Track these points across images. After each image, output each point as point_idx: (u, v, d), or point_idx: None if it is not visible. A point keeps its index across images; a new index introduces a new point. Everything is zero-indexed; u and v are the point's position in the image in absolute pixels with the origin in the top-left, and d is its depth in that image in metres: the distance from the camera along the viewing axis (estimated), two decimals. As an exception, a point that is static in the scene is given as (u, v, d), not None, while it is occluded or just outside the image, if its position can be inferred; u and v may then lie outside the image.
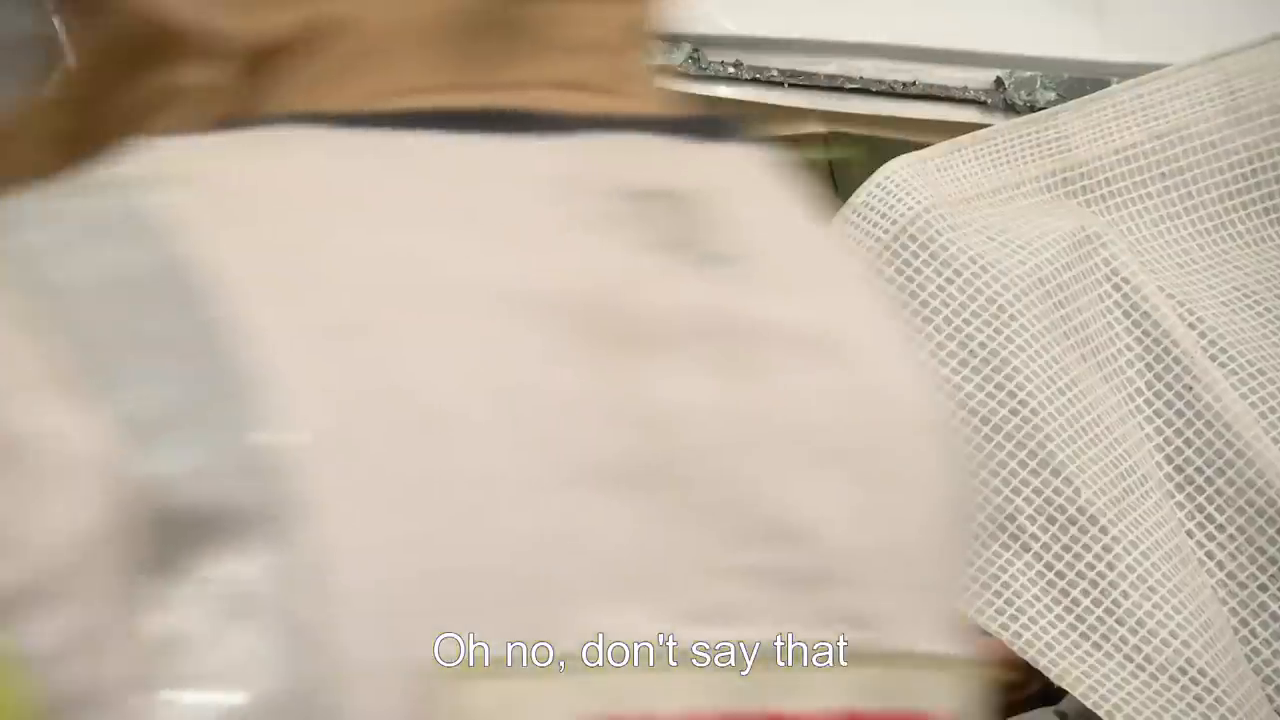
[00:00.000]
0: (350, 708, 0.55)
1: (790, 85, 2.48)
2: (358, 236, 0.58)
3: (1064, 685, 1.61)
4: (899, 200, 1.76)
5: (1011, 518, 1.66)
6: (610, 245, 0.60)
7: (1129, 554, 1.65)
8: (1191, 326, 1.85)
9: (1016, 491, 1.66)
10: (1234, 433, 1.78)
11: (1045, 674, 1.61)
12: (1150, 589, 1.64)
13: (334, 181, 0.59)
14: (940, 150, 1.86)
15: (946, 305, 1.71)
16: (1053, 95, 2.46)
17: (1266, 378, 1.82)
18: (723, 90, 2.47)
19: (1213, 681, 1.61)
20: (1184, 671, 1.61)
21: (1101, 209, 1.92)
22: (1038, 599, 1.64)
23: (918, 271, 1.72)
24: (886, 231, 1.74)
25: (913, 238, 1.74)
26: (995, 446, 1.67)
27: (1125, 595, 1.63)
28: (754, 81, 2.47)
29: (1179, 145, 1.95)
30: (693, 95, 2.47)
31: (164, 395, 0.55)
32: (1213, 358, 1.84)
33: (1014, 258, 1.75)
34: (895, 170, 1.78)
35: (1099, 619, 1.63)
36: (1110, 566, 1.64)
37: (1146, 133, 1.95)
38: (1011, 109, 2.45)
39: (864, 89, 2.48)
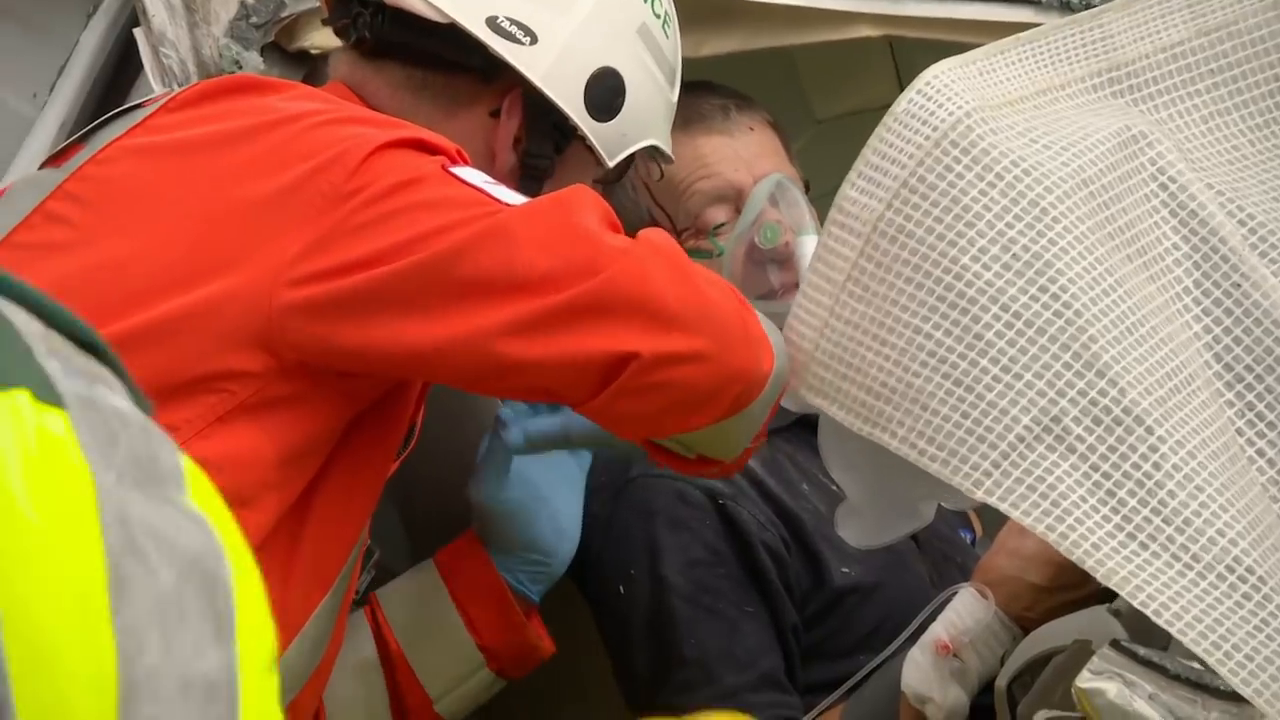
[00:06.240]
0: None
1: (842, -10, 2.47)
2: None
3: (1110, 585, 1.61)
4: (940, 106, 1.75)
5: (1057, 419, 1.65)
6: None
7: (1175, 453, 1.65)
8: (1241, 223, 1.84)
9: (1061, 394, 1.66)
10: (1283, 329, 1.77)
11: (1092, 574, 1.62)
12: (1197, 488, 1.64)
13: None
14: (983, 53, 1.84)
15: (989, 210, 1.70)
16: (1108, -8, 2.43)
17: (1318, 272, 1.81)
18: (774, -3, 2.47)
19: (1260, 579, 1.61)
20: (1231, 569, 1.61)
21: (1148, 108, 1.90)
22: (1084, 499, 1.64)
23: (959, 177, 1.72)
24: (928, 138, 1.74)
25: (954, 143, 1.73)
26: (1039, 350, 1.67)
27: (1172, 495, 1.63)
28: (805, -12, 2.47)
29: (1227, 41, 1.93)
30: (741, 5, 2.47)
31: None
32: (1263, 254, 1.83)
33: (1057, 160, 1.74)
34: (936, 75, 1.77)
35: (1146, 519, 1.63)
36: (1157, 466, 1.64)
37: (1193, 29, 1.93)
38: (1067, 8, 2.42)
39: (916, -8, 2.46)
